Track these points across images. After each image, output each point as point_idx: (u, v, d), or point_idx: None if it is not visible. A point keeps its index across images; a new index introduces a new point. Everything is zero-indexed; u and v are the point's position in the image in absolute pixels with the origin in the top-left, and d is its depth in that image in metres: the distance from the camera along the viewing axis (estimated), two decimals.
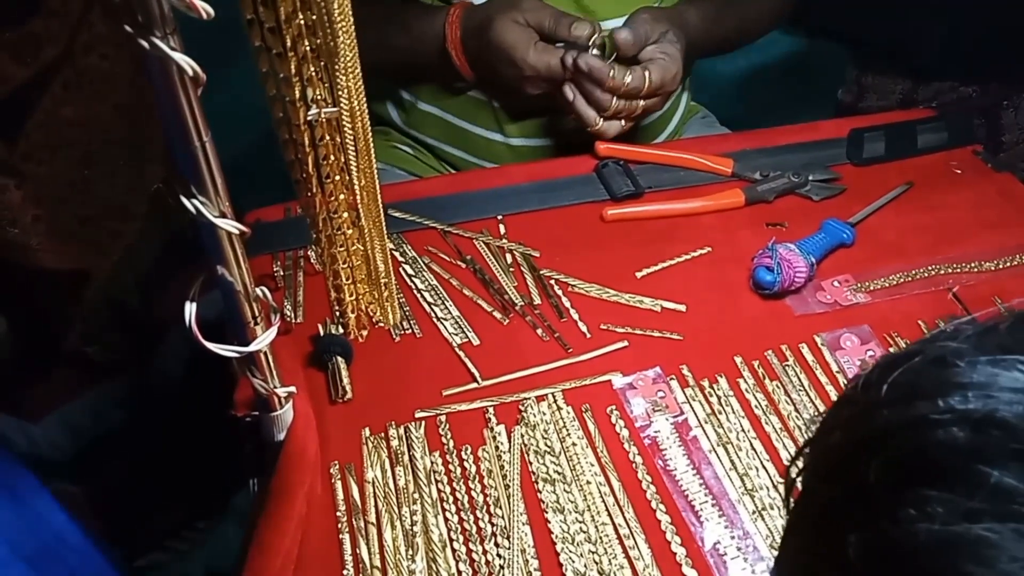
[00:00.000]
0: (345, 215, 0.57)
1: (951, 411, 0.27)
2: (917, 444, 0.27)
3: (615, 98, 0.77)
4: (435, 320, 0.72)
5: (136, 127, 0.81)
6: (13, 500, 0.56)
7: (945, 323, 0.59)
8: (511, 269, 0.76)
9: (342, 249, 0.56)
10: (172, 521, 0.96)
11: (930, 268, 0.75)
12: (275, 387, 0.54)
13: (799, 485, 0.33)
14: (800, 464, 0.33)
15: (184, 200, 0.43)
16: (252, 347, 0.48)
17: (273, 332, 0.49)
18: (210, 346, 0.46)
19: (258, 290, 0.49)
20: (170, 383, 0.92)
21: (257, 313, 0.49)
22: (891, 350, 0.32)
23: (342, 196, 0.53)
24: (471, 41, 0.82)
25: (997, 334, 0.29)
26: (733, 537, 0.57)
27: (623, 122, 0.80)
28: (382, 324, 0.69)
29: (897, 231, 0.79)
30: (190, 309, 0.45)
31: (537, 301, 0.73)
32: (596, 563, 0.55)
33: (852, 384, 0.32)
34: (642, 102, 0.78)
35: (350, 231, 0.57)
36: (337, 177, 0.52)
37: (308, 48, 0.47)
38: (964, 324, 0.30)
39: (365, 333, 0.67)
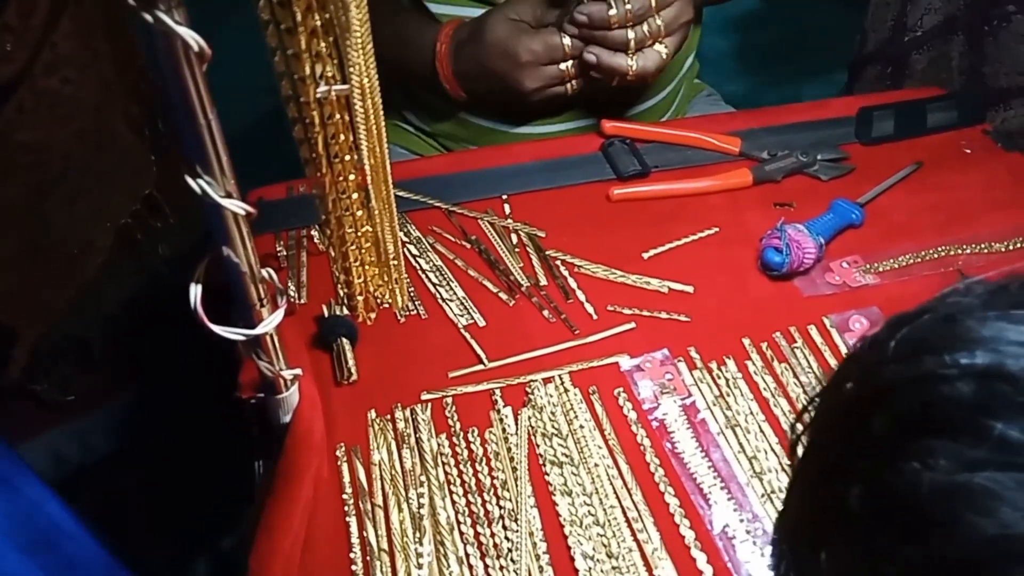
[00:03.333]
0: (355, 196, 0.56)
1: (957, 366, 0.27)
2: (923, 398, 0.28)
3: (630, 29, 0.73)
4: (440, 301, 0.71)
5: (102, 153, 0.75)
6: (6, 489, 0.56)
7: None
8: (516, 249, 0.75)
9: (351, 231, 0.55)
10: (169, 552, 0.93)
11: (940, 249, 0.74)
12: (281, 369, 0.53)
13: (804, 442, 0.33)
14: (807, 419, 0.33)
15: (189, 180, 0.42)
16: (258, 330, 0.48)
17: (280, 315, 0.49)
18: (216, 329, 0.45)
19: (264, 271, 0.48)
20: (163, 411, 0.90)
21: (263, 295, 0.48)
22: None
23: (352, 176, 0.52)
24: (466, 48, 0.79)
25: (1007, 293, 0.29)
26: (742, 520, 0.57)
27: (659, 48, 0.75)
28: (390, 304, 0.68)
29: (906, 211, 0.79)
30: (195, 291, 0.44)
31: (543, 282, 0.72)
32: (605, 546, 0.55)
33: (861, 342, 0.32)
34: (659, 20, 0.73)
35: (360, 212, 0.56)
36: (347, 157, 0.51)
37: (318, 23, 0.46)
38: (975, 283, 0.30)
39: (373, 316, 0.66)
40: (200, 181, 0.42)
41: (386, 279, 0.57)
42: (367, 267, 0.53)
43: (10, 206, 0.70)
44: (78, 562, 0.60)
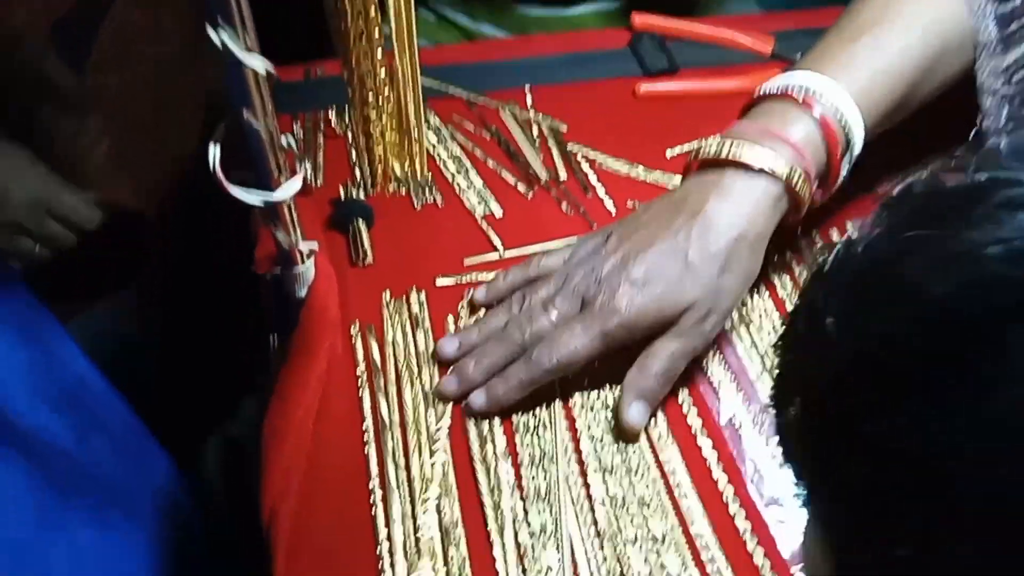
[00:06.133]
0: (382, 72, 0.55)
1: None
2: None
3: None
4: (458, 190, 0.70)
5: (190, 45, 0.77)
6: (35, 342, 0.57)
7: None
8: (537, 142, 0.74)
9: (374, 107, 0.54)
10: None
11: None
12: (297, 242, 0.53)
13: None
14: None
15: (211, 32, 0.41)
16: (277, 195, 0.47)
17: (298, 181, 0.48)
18: (234, 191, 0.45)
19: (283, 138, 0.47)
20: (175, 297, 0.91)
21: (281, 162, 0.47)
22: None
23: (380, 50, 0.51)
24: None
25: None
26: (750, 412, 0.57)
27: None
28: (407, 190, 0.68)
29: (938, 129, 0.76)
30: (213, 151, 0.44)
31: (563, 176, 0.71)
32: (612, 429, 0.56)
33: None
34: None
35: (385, 89, 0.54)
36: (376, 35, 0.50)
37: None
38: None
39: (392, 187, 0.65)
40: (222, 33, 0.41)
41: (407, 146, 0.56)
42: (388, 134, 0.52)
43: (133, 96, 0.74)
44: (103, 421, 0.62)
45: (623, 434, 0.55)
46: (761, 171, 0.55)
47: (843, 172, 0.59)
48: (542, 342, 0.54)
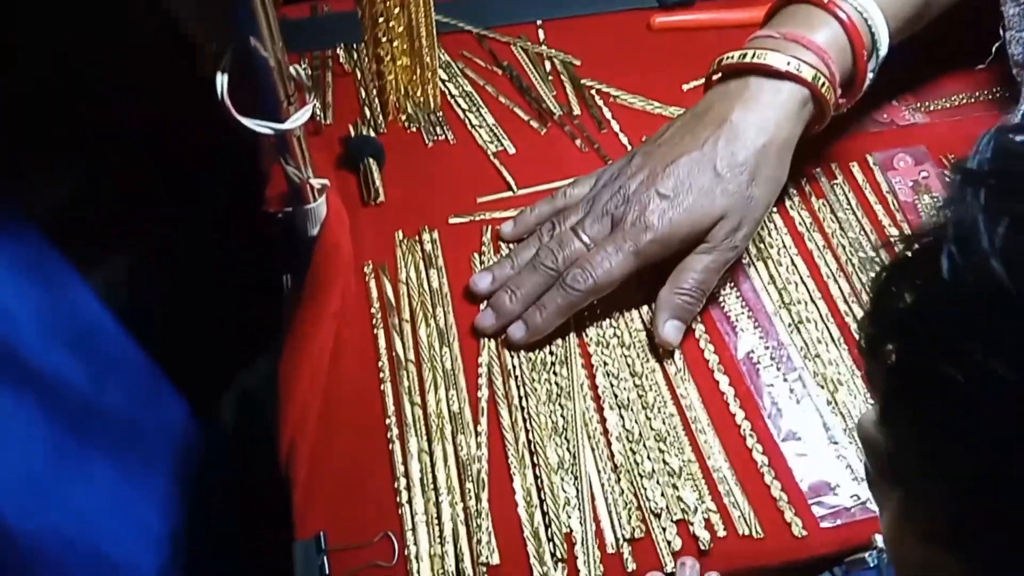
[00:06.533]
0: (396, 11, 0.53)
1: None
2: None
3: None
4: (469, 127, 0.69)
5: None
6: (48, 285, 0.57)
7: None
8: (550, 77, 0.72)
9: (385, 41, 0.53)
10: None
11: (994, 90, 0.70)
12: (308, 177, 0.52)
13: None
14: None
15: None
16: (287, 124, 0.46)
17: (308, 111, 0.47)
18: (245, 121, 0.44)
19: (292, 68, 0.46)
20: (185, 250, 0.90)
21: (291, 92, 0.46)
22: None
23: None
24: None
25: None
26: (767, 347, 0.57)
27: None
28: (420, 114, 0.66)
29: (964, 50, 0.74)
30: (221, 80, 0.43)
31: (576, 112, 0.70)
32: (628, 365, 0.56)
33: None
34: None
35: (399, 26, 0.53)
36: None
37: None
38: None
39: (404, 118, 0.64)
40: None
41: (419, 76, 0.54)
42: (400, 61, 0.51)
43: None
44: (118, 365, 0.62)
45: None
46: (787, 75, 0.54)
47: (869, 77, 0.58)
48: (576, 266, 0.54)
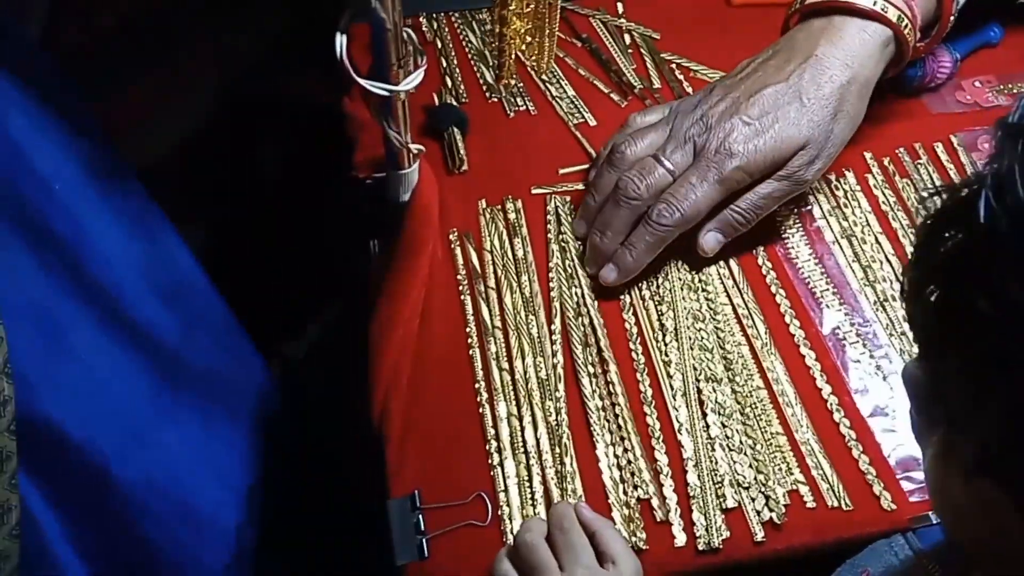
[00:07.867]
0: None
1: None
2: None
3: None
4: (550, 98, 0.69)
5: None
6: (149, 239, 0.58)
7: None
8: (629, 51, 0.72)
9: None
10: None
11: None
12: (408, 141, 0.53)
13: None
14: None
15: None
16: (401, 86, 0.47)
17: (420, 75, 0.48)
18: (361, 81, 0.45)
19: (405, 31, 0.47)
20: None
21: (403, 54, 0.47)
22: None
23: None
24: None
25: None
26: (853, 324, 0.57)
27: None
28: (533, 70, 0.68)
29: None
30: (341, 41, 0.44)
31: (656, 85, 0.70)
32: (719, 339, 0.56)
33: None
34: None
35: None
36: None
37: None
38: None
39: (514, 80, 0.65)
40: None
41: (536, 36, 0.54)
42: (522, 18, 0.51)
43: None
44: (207, 318, 0.63)
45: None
46: (872, 14, 0.55)
47: (952, 18, 0.59)
48: (660, 200, 0.54)
